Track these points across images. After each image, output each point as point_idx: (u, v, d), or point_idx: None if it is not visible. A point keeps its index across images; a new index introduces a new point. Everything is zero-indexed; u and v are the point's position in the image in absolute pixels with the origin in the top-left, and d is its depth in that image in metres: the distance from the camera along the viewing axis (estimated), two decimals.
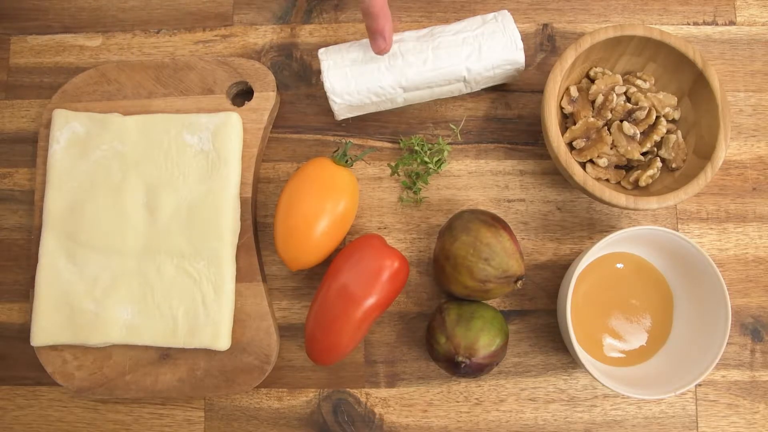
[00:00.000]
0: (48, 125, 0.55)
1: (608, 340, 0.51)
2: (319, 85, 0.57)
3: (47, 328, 0.51)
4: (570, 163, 0.49)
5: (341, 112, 0.53)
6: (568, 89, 0.53)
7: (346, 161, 0.52)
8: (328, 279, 0.49)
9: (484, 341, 0.47)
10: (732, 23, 0.58)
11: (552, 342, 0.54)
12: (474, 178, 0.56)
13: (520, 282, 0.48)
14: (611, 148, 0.52)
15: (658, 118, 0.52)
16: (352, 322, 0.48)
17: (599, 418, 0.53)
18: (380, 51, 0.49)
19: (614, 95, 0.52)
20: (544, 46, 0.58)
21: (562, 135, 0.52)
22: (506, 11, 0.53)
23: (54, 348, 0.52)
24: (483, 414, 0.53)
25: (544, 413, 0.53)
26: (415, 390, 0.53)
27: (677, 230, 0.55)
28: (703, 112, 0.51)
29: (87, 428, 0.54)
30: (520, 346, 0.54)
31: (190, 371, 0.52)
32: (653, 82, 0.53)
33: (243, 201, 0.54)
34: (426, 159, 0.55)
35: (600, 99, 0.52)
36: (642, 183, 0.51)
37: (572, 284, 0.46)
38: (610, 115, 0.52)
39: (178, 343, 0.51)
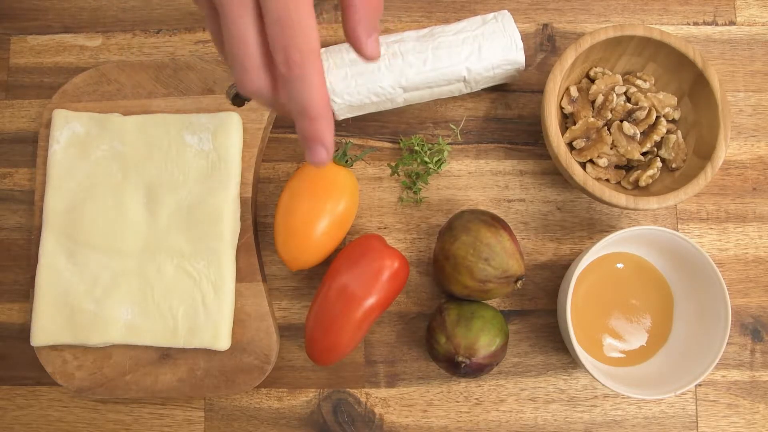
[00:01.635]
0: (48, 125, 0.55)
1: (608, 340, 0.51)
2: None
3: (47, 328, 0.51)
4: (570, 163, 0.49)
5: (341, 112, 0.53)
6: (568, 89, 0.53)
7: (346, 161, 0.52)
8: (328, 279, 0.49)
9: (484, 341, 0.47)
10: (732, 23, 0.58)
11: (552, 342, 0.54)
12: (474, 178, 0.56)
13: (520, 282, 0.48)
14: (611, 148, 0.52)
15: (658, 118, 0.52)
16: (352, 322, 0.48)
17: (599, 418, 0.53)
18: (321, 162, 0.33)
19: (614, 95, 0.52)
20: (544, 46, 0.58)
21: (562, 135, 0.52)
22: (506, 11, 0.53)
23: (54, 348, 0.52)
24: (483, 414, 0.53)
25: (544, 413, 0.53)
26: (415, 390, 0.53)
27: (677, 230, 0.55)
28: (703, 112, 0.51)
29: (87, 428, 0.54)
30: (520, 346, 0.54)
31: (190, 371, 0.52)
32: (653, 82, 0.53)
33: (243, 201, 0.54)
34: (426, 159, 0.55)
35: (600, 99, 0.52)
36: (642, 183, 0.51)
37: (572, 284, 0.46)
38: (610, 115, 0.52)
39: (178, 343, 0.51)
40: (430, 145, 0.56)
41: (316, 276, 0.55)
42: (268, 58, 0.31)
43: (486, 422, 0.53)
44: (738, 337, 0.54)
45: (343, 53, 0.51)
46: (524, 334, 0.54)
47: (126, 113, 0.55)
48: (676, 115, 0.53)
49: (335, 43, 0.58)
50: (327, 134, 0.32)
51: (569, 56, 0.50)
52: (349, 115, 0.54)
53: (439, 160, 0.55)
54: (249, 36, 0.30)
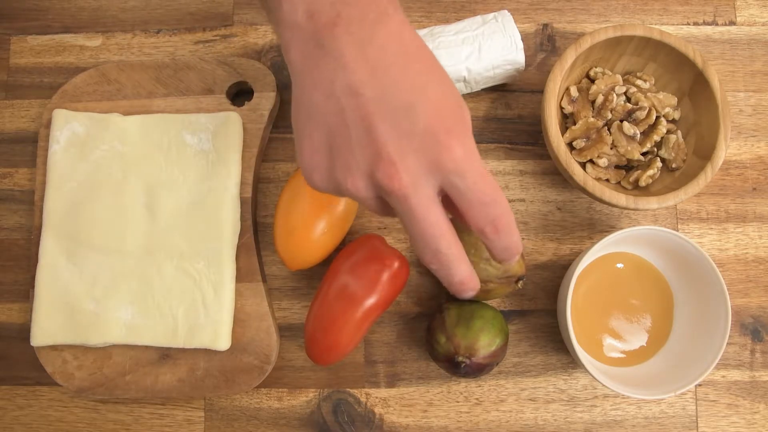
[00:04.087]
0: (48, 125, 0.55)
1: (608, 340, 0.51)
2: None
3: (47, 328, 0.51)
4: (570, 163, 0.49)
5: None
6: (568, 89, 0.53)
7: None
8: (328, 279, 0.49)
9: (484, 341, 0.47)
10: (732, 23, 0.58)
11: (552, 342, 0.54)
12: None
13: (520, 282, 0.48)
14: (611, 148, 0.52)
15: (658, 118, 0.52)
16: (352, 322, 0.48)
17: (599, 418, 0.53)
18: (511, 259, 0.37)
19: (614, 95, 0.52)
20: (544, 46, 0.58)
21: (562, 135, 0.52)
22: (506, 11, 0.53)
23: (54, 348, 0.52)
24: (483, 414, 0.53)
25: (544, 413, 0.53)
26: (415, 390, 0.53)
27: (677, 230, 0.55)
28: (703, 112, 0.51)
29: (87, 428, 0.54)
30: (520, 346, 0.54)
31: (190, 371, 0.52)
32: (653, 82, 0.53)
33: (243, 201, 0.54)
34: None
35: (600, 99, 0.52)
36: (642, 183, 0.51)
37: (572, 284, 0.46)
38: (610, 115, 0.52)
39: (178, 343, 0.51)
40: None
41: (316, 276, 0.55)
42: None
43: (486, 422, 0.53)
44: (738, 337, 0.54)
45: None
46: (524, 334, 0.54)
47: (126, 113, 0.55)
48: (676, 115, 0.53)
49: None
50: (520, 246, 0.36)
51: (569, 56, 0.50)
52: None
53: None
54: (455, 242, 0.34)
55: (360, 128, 0.32)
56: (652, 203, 0.48)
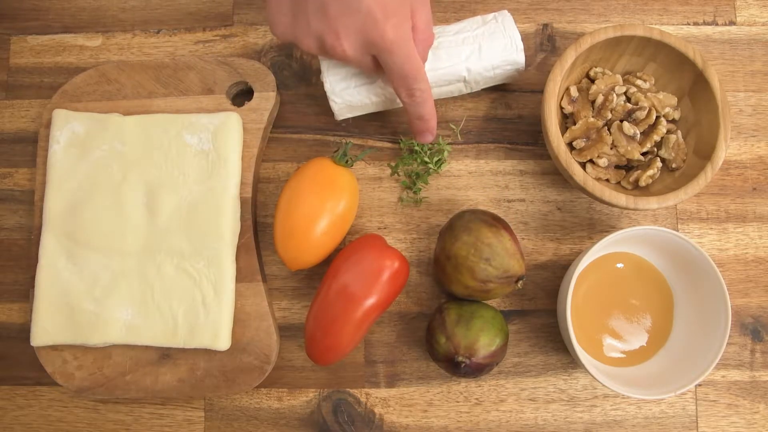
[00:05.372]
0: (48, 125, 0.55)
1: (608, 340, 0.51)
2: (319, 85, 0.57)
3: (47, 328, 0.51)
4: (570, 163, 0.49)
5: (341, 112, 0.53)
6: (568, 89, 0.53)
7: (346, 161, 0.52)
8: (328, 279, 0.49)
9: (484, 341, 0.47)
10: (732, 23, 0.58)
11: (552, 342, 0.54)
12: (474, 178, 0.56)
13: (520, 282, 0.48)
14: (611, 148, 0.52)
15: (658, 118, 0.52)
16: (352, 322, 0.48)
17: (599, 418, 0.53)
18: (428, 141, 0.52)
19: (614, 95, 0.52)
20: (544, 46, 0.58)
21: (562, 135, 0.52)
22: (506, 11, 0.53)
23: (54, 348, 0.52)
24: (483, 414, 0.53)
25: (544, 413, 0.53)
26: (415, 390, 0.53)
27: (677, 230, 0.55)
28: (703, 112, 0.51)
29: (87, 428, 0.54)
30: (520, 346, 0.54)
31: (190, 371, 0.52)
32: (653, 82, 0.53)
33: (243, 201, 0.54)
34: (426, 159, 0.55)
35: (600, 99, 0.52)
36: (642, 183, 0.51)
37: (572, 284, 0.46)
38: (610, 115, 0.52)
39: (178, 343, 0.51)
40: (430, 145, 0.56)
41: (316, 276, 0.55)
42: None
43: (486, 422, 0.53)
44: (738, 337, 0.54)
45: None
46: (524, 334, 0.54)
47: (126, 113, 0.55)
48: (676, 115, 0.53)
49: None
50: (434, 127, 0.50)
51: (569, 56, 0.50)
52: (349, 115, 0.54)
53: (439, 160, 0.55)
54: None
55: (317, 3, 0.42)
56: (652, 203, 0.48)
